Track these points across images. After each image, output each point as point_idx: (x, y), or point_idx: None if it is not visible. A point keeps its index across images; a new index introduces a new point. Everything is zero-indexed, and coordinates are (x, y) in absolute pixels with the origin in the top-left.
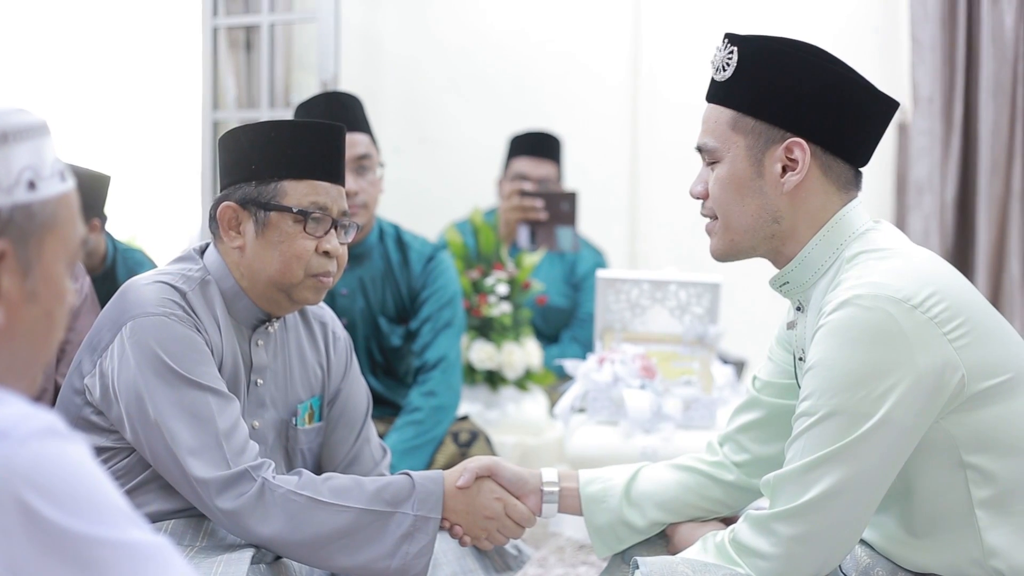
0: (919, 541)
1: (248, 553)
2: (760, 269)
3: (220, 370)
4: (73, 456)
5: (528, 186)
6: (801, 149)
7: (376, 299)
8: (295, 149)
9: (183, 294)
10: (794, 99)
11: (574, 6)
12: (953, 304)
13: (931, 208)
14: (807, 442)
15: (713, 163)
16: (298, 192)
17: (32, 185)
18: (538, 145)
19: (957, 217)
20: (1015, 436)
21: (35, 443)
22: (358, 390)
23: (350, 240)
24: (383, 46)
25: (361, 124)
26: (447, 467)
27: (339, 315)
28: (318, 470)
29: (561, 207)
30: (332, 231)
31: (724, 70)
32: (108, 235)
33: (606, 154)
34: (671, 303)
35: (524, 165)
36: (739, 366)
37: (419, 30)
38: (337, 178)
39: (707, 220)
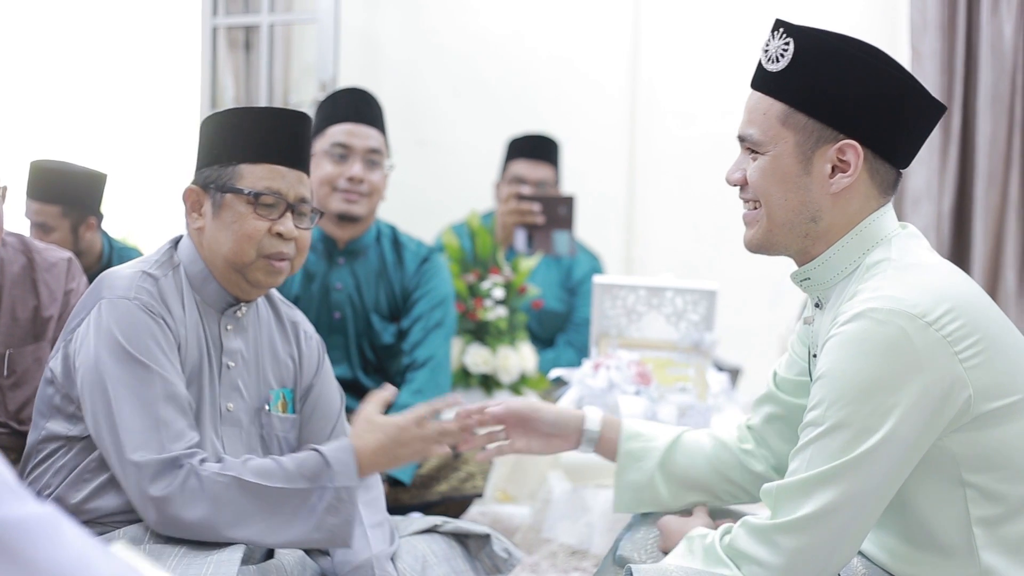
0: (917, 555)
1: (238, 554)
2: (756, 277)
3: (186, 353)
4: None
5: (526, 189)
6: (855, 152)
7: (370, 296)
8: (255, 134)
9: (156, 280)
10: (851, 100)
11: (573, 13)
12: (969, 322)
13: (928, 217)
14: (812, 454)
15: (756, 153)
16: (254, 175)
17: None
18: (536, 148)
19: (954, 227)
20: (1018, 457)
21: None
22: (331, 387)
23: (310, 227)
24: (382, 49)
25: (378, 121)
26: (441, 468)
27: (332, 309)
28: None
29: (558, 211)
30: (288, 215)
31: (778, 60)
32: (104, 234)
33: (603, 160)
34: (667, 310)
35: (522, 167)
36: (734, 373)
37: (418, 34)
38: (296, 164)
39: (746, 210)
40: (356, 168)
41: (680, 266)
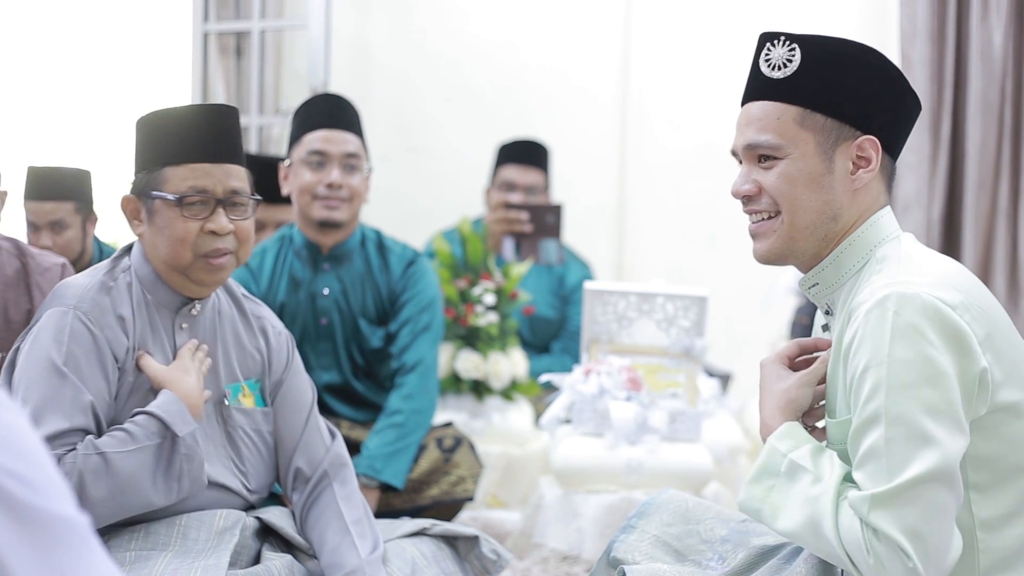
0: None
1: (225, 558)
2: (746, 283)
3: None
4: (19, 423)
5: (514, 197)
6: (874, 147)
7: (356, 301)
8: (175, 135)
9: (109, 288)
10: (863, 97)
11: (564, 20)
12: (981, 314)
13: (918, 224)
14: (891, 451)
15: (772, 160)
16: (178, 177)
17: None
18: (525, 153)
19: (943, 233)
20: (1014, 457)
21: None
22: (302, 380)
23: (245, 216)
24: (373, 55)
25: (354, 126)
26: (432, 472)
27: (319, 316)
28: (274, 457)
29: (546, 219)
30: (219, 210)
31: (785, 67)
32: (95, 238)
33: (594, 167)
34: (658, 316)
35: (511, 173)
36: (725, 379)
37: (409, 40)
38: (220, 157)
39: (756, 221)
40: (334, 174)
41: (671, 273)
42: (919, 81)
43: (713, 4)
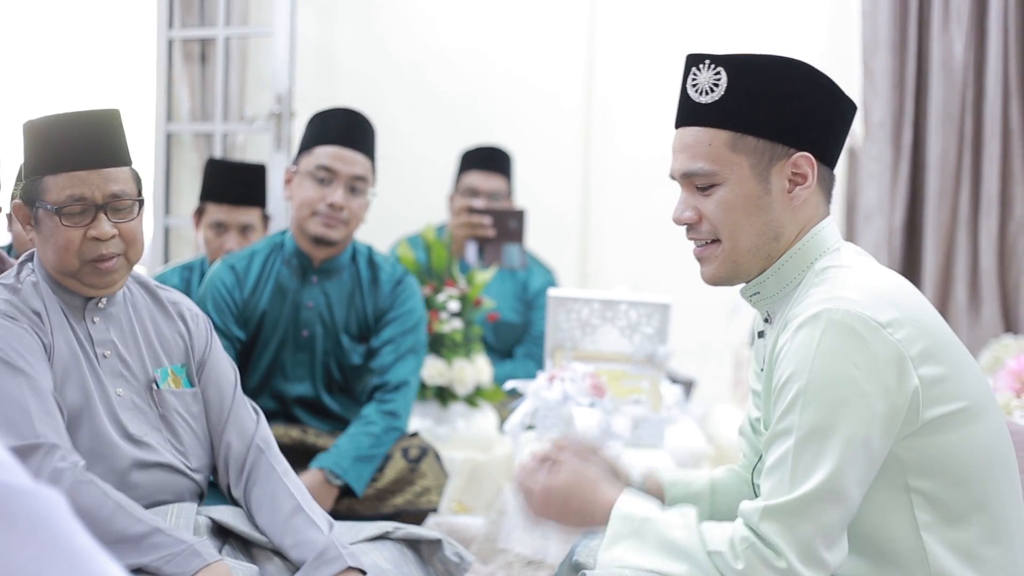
0: (874, 570)
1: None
2: (710, 291)
3: (56, 353)
4: None
5: (478, 203)
6: (809, 163)
7: (340, 316)
8: (52, 143)
9: (16, 290)
10: (792, 114)
11: (529, 27)
12: (916, 329)
13: (879, 233)
14: (794, 464)
15: (708, 187)
16: (57, 186)
17: None
18: (488, 159)
19: (905, 242)
20: (962, 464)
21: None
22: (223, 362)
23: (131, 218)
24: (338, 62)
25: (367, 147)
26: (397, 482)
27: (301, 327)
28: (207, 436)
29: (509, 224)
30: (101, 216)
31: (711, 92)
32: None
33: (558, 174)
34: (621, 323)
35: (475, 179)
36: (688, 386)
37: (374, 47)
38: (97, 164)
39: (699, 247)
40: (338, 195)
41: (634, 280)
42: (881, 91)
43: (677, 13)
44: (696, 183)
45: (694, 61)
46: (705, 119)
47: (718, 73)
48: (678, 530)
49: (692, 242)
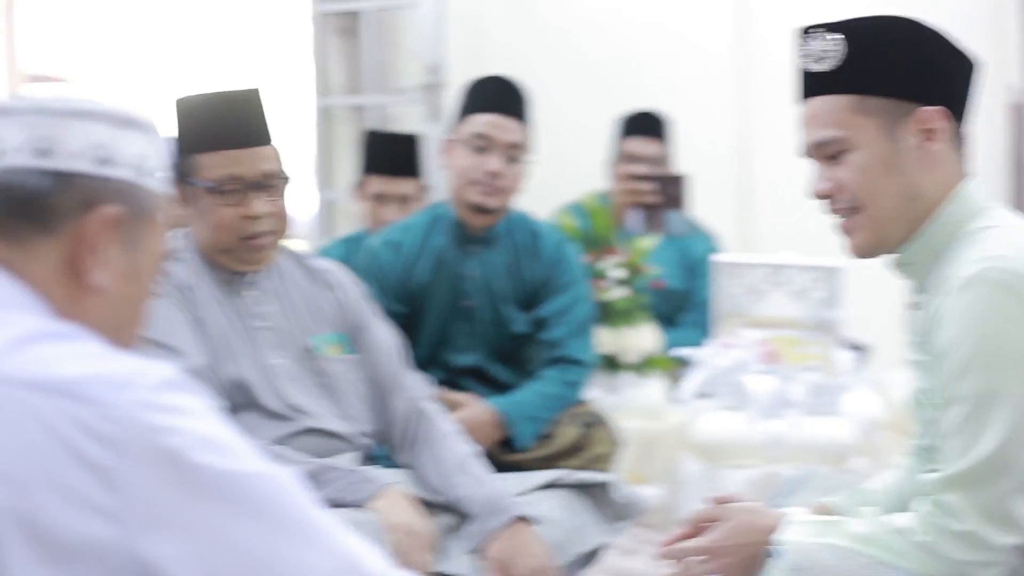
0: None
1: None
2: None
3: (209, 327)
4: (197, 406)
5: (640, 169)
6: (936, 115)
7: (501, 285)
8: (204, 122)
9: (168, 272)
10: (914, 69)
11: None
12: None
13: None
14: (966, 436)
15: (840, 154)
16: (211, 164)
17: (152, 174)
18: (647, 124)
19: None
20: None
21: (164, 394)
22: (382, 327)
23: (279, 195)
24: (488, 32)
25: (523, 114)
26: (569, 448)
27: (462, 297)
28: (371, 403)
29: (670, 190)
30: (254, 194)
31: (827, 58)
32: None
33: (714, 134)
34: (790, 287)
35: (634, 145)
36: (863, 352)
37: (523, 15)
38: (249, 142)
39: (842, 219)
40: (494, 162)
41: (800, 240)
42: None
43: None
44: (828, 152)
45: (806, 31)
46: (825, 87)
47: (832, 39)
48: (860, 525)
49: (835, 216)
